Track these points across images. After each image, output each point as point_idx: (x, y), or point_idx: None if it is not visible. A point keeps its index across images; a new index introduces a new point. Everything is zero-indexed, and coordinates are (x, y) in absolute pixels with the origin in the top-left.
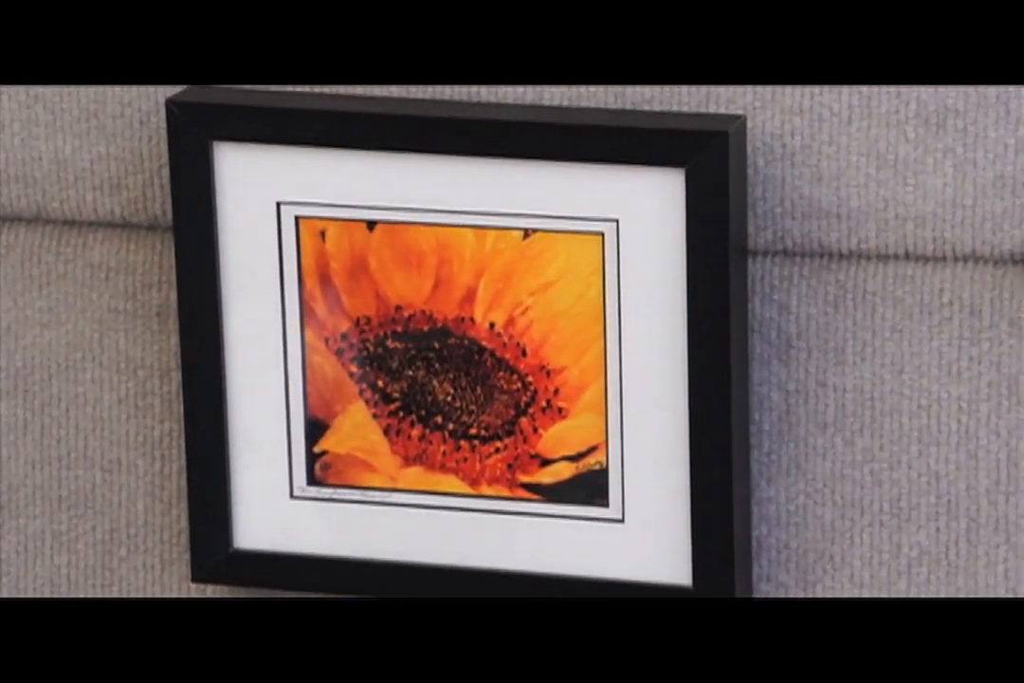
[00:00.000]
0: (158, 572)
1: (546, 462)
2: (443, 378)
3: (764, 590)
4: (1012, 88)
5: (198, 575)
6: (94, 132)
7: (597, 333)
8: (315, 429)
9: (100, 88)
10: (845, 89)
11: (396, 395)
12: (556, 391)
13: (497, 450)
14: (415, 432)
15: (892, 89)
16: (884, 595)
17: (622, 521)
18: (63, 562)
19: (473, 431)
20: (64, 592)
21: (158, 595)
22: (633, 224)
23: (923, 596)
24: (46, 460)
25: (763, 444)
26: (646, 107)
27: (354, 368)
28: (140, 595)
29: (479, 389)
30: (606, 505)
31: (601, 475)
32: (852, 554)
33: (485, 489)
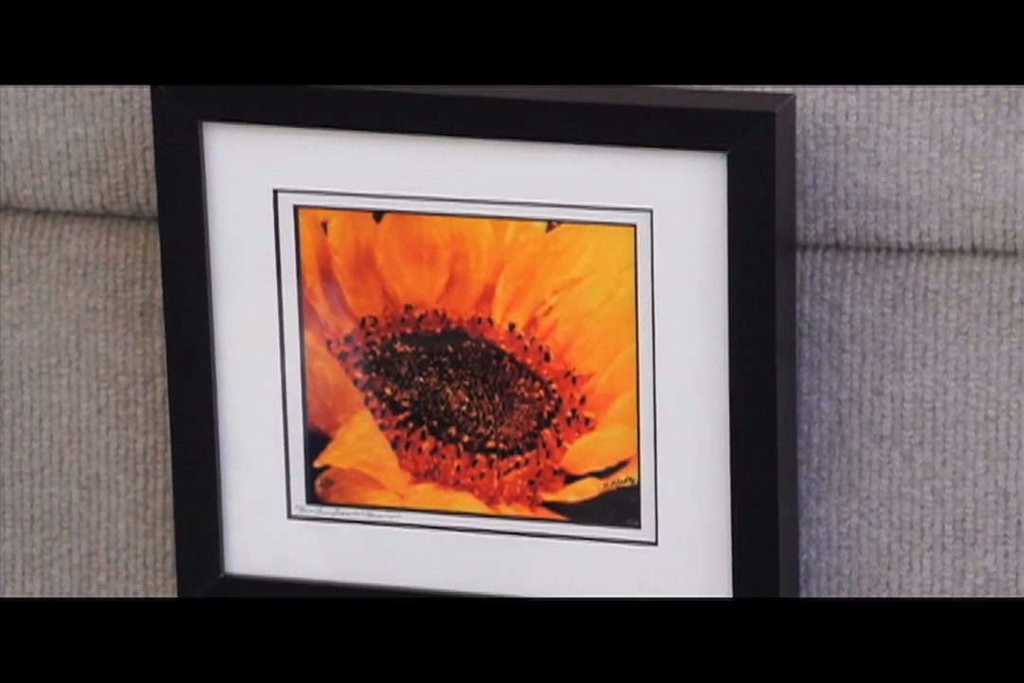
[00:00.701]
0: None
1: (571, 478)
2: (457, 385)
3: None
4: None
5: None
6: (70, 111)
7: (628, 336)
8: (315, 442)
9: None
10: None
11: (405, 404)
12: (583, 400)
13: (517, 465)
14: (426, 445)
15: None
16: None
17: (655, 544)
18: (36, 588)
19: (490, 444)
20: None
21: None
22: (669, 215)
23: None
24: (17, 476)
25: (812, 459)
26: (684, 85)
27: (359, 374)
28: None
29: (497, 397)
30: (638, 526)
31: (632, 493)
32: (911, 581)
33: (504, 508)
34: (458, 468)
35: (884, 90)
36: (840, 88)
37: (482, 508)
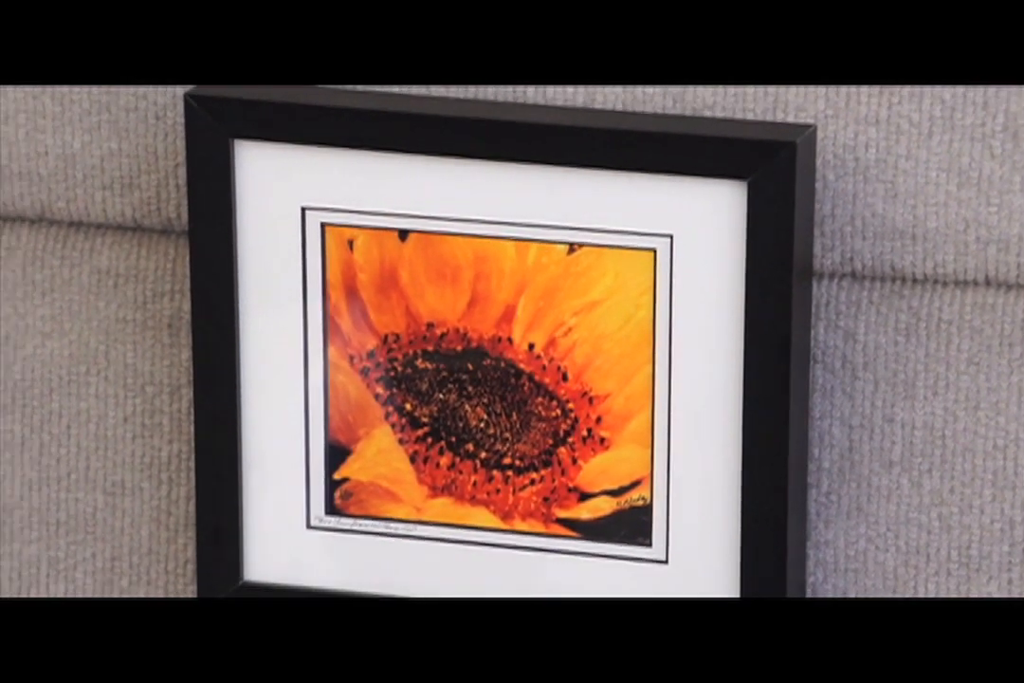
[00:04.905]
0: None
1: (585, 496)
2: (476, 402)
3: None
4: None
5: None
6: (105, 127)
7: (645, 358)
8: (336, 454)
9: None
10: (926, 98)
11: (425, 420)
12: (598, 420)
13: (532, 482)
14: (444, 460)
15: (978, 99)
16: None
17: (666, 562)
18: (60, 591)
19: (507, 461)
20: None
21: None
22: (688, 240)
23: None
24: (44, 481)
25: (822, 483)
26: (707, 113)
27: (380, 389)
28: None
29: (515, 415)
30: (649, 544)
31: (644, 512)
32: None
33: (518, 524)
34: (474, 483)
35: (904, 123)
36: (861, 120)
37: (497, 523)
